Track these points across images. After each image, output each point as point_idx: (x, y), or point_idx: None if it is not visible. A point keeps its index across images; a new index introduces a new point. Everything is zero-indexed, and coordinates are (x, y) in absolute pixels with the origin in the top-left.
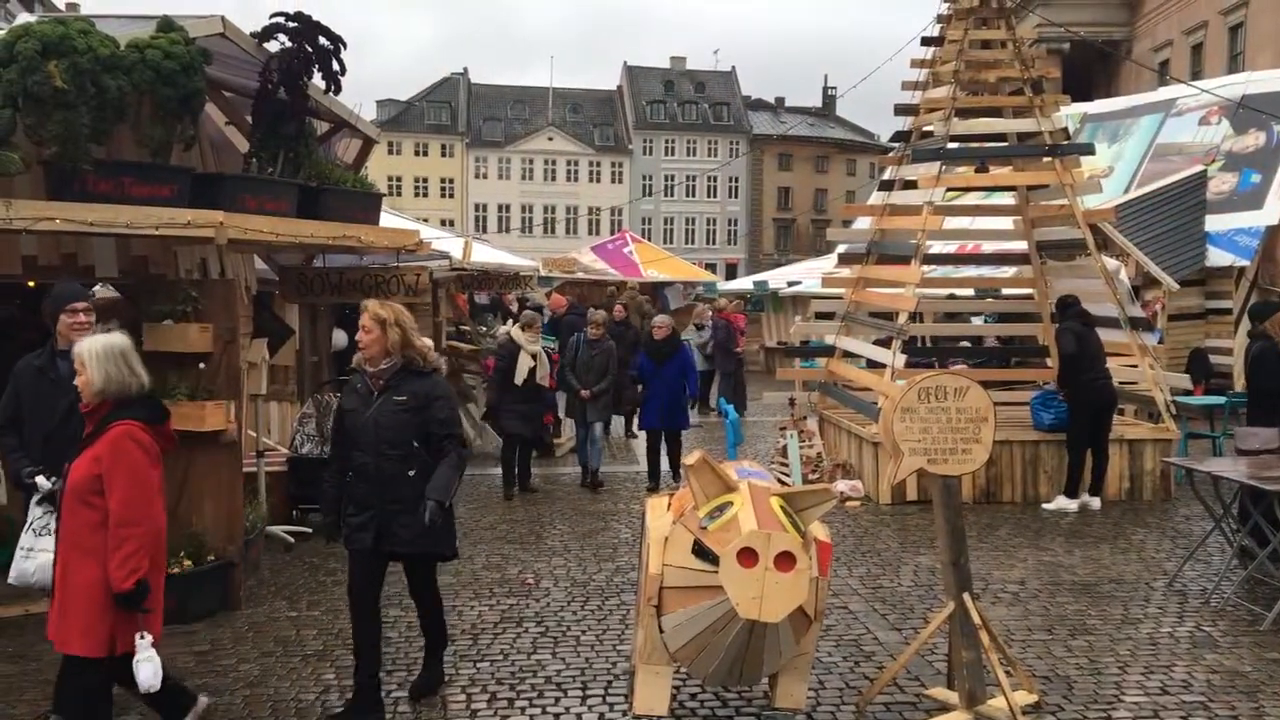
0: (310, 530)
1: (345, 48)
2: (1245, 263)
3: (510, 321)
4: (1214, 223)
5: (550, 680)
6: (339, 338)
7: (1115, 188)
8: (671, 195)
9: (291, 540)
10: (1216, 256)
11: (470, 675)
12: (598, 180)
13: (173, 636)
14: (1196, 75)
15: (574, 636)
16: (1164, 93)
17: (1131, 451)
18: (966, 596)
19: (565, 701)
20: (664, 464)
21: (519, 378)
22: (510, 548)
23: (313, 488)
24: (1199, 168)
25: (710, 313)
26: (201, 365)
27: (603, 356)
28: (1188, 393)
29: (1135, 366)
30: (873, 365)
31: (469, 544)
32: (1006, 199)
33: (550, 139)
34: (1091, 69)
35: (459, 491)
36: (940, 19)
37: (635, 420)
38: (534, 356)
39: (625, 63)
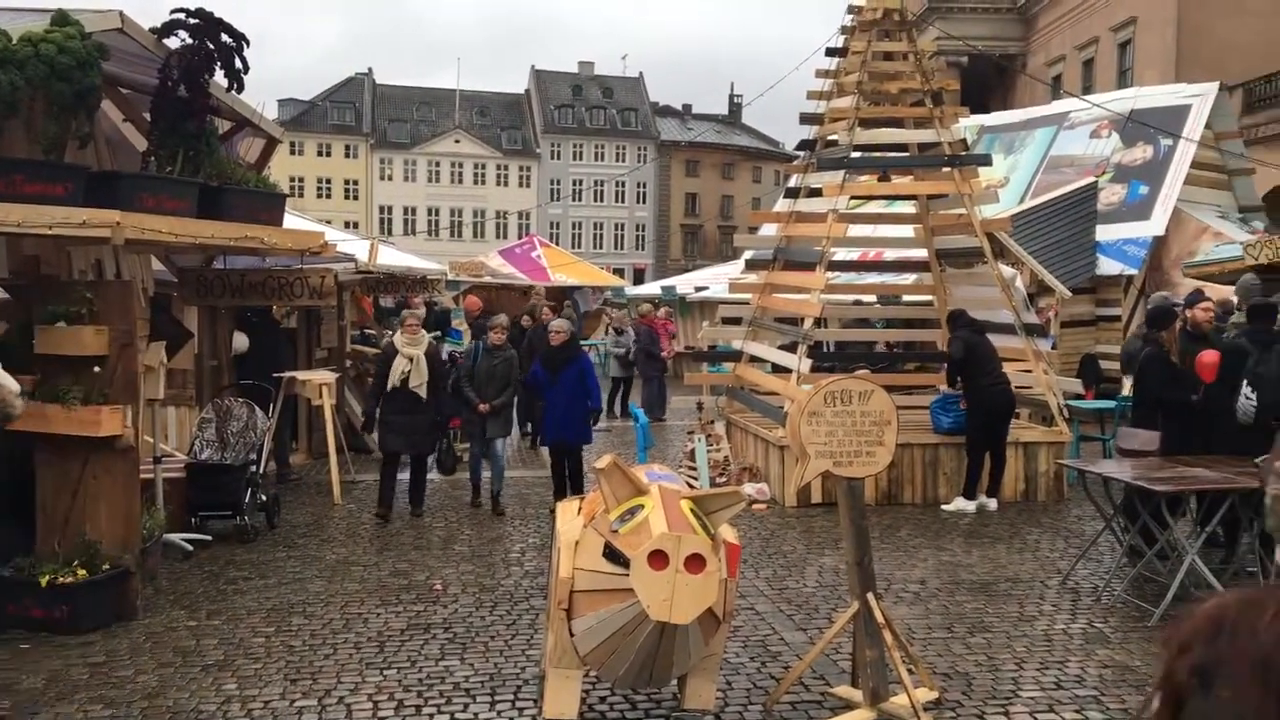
0: (210, 538)
1: (248, 45)
2: (1133, 271)
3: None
4: (1104, 232)
5: (459, 686)
6: (240, 341)
7: (1011, 198)
8: (579, 200)
9: (190, 548)
10: (1106, 265)
11: (376, 683)
12: (505, 184)
13: (67, 648)
14: (1088, 89)
15: (483, 642)
16: (1057, 106)
17: (1026, 454)
18: (870, 596)
19: (474, 708)
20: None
21: (390, 382)
22: (417, 554)
23: (212, 494)
24: (1090, 179)
25: (630, 318)
26: (97, 369)
27: (504, 365)
28: (1079, 397)
29: (1030, 371)
30: (779, 370)
31: (374, 551)
32: (908, 208)
33: (457, 141)
34: (988, 82)
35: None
36: (844, 30)
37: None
38: (410, 360)
39: (533, 66)
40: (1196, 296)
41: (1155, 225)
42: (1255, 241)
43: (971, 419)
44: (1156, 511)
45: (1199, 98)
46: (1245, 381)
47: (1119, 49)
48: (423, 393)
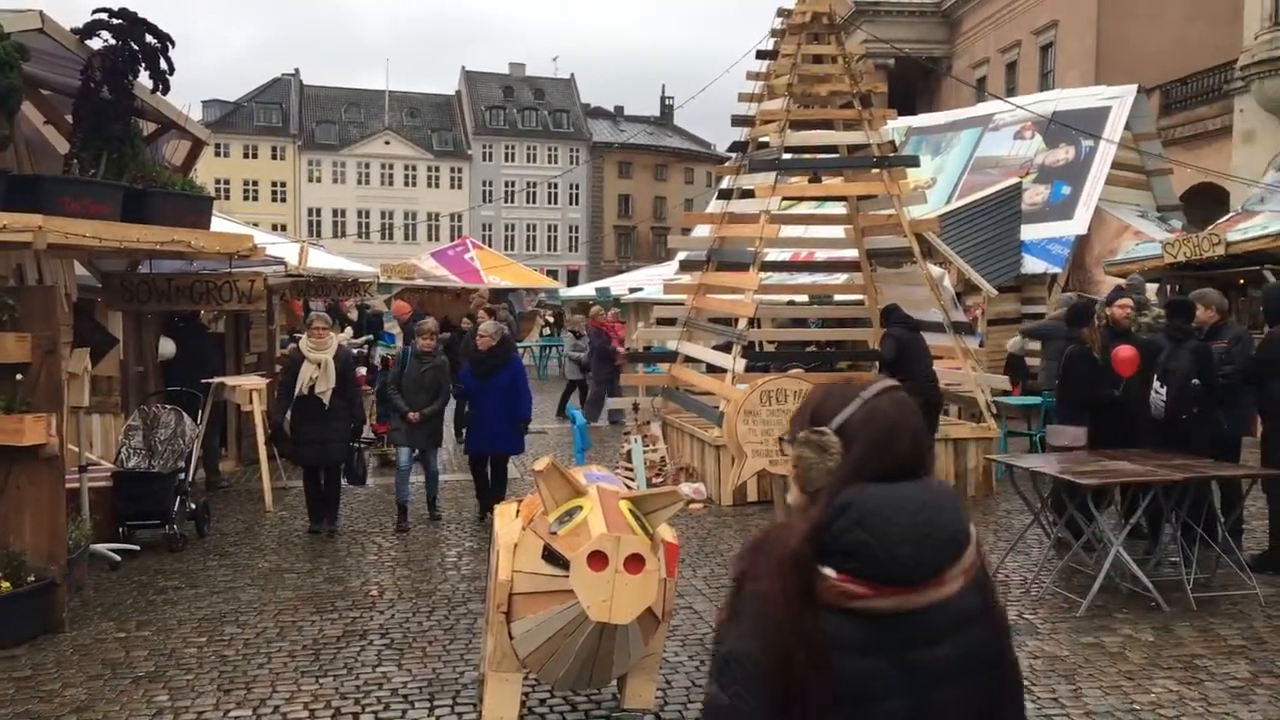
0: (138, 548)
1: (173, 45)
2: (1057, 270)
3: (348, 329)
4: (1029, 232)
5: (396, 693)
6: (167, 346)
7: (938, 198)
8: (512, 201)
9: (118, 558)
10: (1031, 264)
11: (313, 691)
12: (437, 185)
13: None
14: (1011, 91)
15: (420, 648)
16: (982, 108)
17: (955, 449)
18: None
19: (413, 714)
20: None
21: (297, 390)
22: (351, 560)
23: (140, 503)
24: (1015, 180)
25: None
26: (19, 376)
27: (434, 372)
28: (1006, 393)
29: (959, 369)
30: (713, 370)
31: (308, 558)
32: (838, 208)
33: (387, 143)
34: (915, 84)
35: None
36: (774, 33)
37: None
38: (318, 365)
39: (463, 67)
40: (1116, 294)
41: (1078, 224)
42: (1174, 240)
43: None
44: (1083, 505)
45: (1118, 100)
46: (1155, 377)
47: (1041, 52)
48: (327, 399)
